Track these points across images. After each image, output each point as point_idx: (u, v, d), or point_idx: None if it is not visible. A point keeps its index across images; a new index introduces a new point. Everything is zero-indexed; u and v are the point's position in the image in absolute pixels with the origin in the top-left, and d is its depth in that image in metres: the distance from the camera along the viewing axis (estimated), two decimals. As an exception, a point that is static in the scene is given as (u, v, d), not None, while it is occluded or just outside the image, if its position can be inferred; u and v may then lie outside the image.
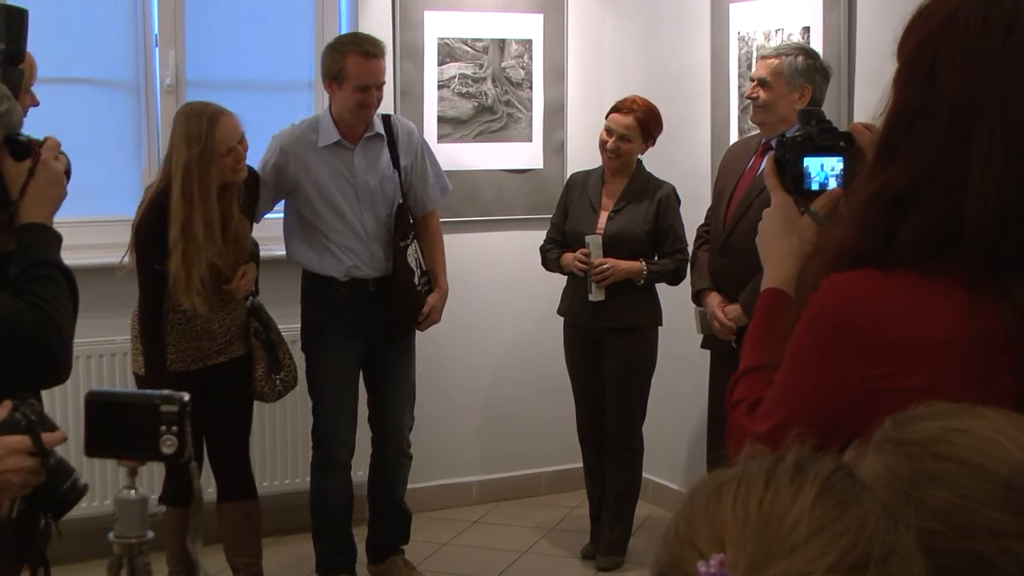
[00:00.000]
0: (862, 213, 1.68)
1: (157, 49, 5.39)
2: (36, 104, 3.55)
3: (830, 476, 0.95)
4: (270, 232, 5.24)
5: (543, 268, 5.35)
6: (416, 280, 4.88)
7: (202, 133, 4.31)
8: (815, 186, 2.04)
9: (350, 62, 4.68)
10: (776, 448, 1.01)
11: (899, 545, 0.92)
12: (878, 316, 1.63)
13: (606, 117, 5.19)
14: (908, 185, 1.64)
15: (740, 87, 5.39)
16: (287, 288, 5.36)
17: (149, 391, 2.27)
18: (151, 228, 4.36)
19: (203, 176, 4.31)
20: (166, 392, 2.22)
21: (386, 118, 4.94)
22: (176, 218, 4.30)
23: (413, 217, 4.94)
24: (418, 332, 5.04)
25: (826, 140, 2.05)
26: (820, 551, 0.89)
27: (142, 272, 4.42)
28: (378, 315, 4.85)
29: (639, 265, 5.06)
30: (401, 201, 4.88)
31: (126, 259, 4.46)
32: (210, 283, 4.39)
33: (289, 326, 5.40)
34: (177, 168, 4.31)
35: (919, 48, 1.67)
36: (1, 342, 2.22)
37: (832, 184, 2.04)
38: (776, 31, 5.24)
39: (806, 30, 5.07)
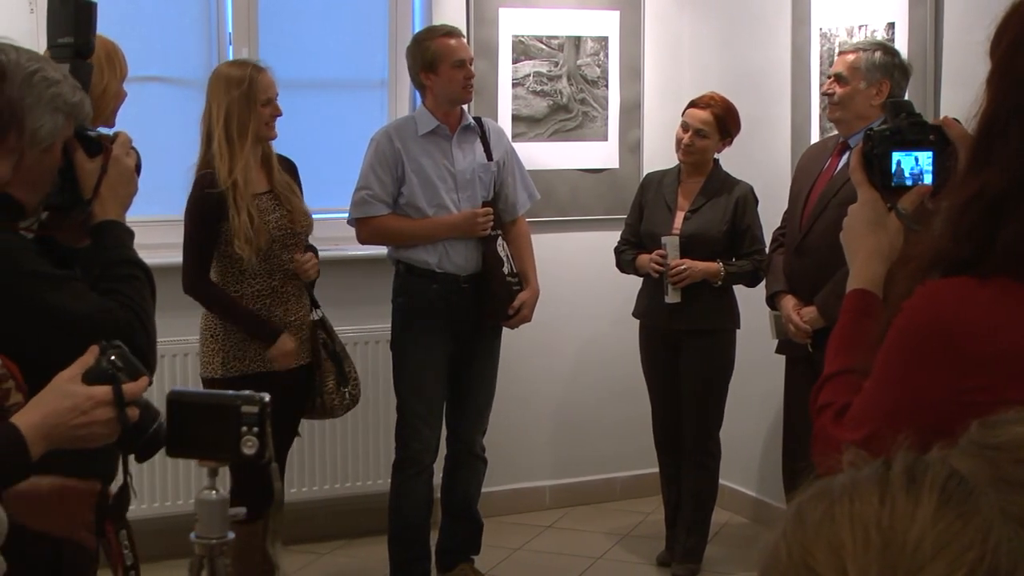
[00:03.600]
0: (957, 218, 1.63)
1: (231, 48, 5.39)
2: (125, 96, 3.55)
3: (945, 484, 0.89)
4: (336, 232, 5.22)
5: (617, 270, 5.28)
6: (505, 270, 4.86)
7: (244, 78, 4.33)
8: (904, 182, 1.97)
9: (439, 44, 4.77)
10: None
11: None
12: (975, 326, 1.58)
13: (683, 113, 5.11)
14: (1004, 189, 1.58)
15: (821, 85, 5.28)
16: (355, 289, 5.37)
17: (230, 392, 2.24)
18: (198, 206, 4.34)
19: (243, 117, 4.31)
20: (247, 393, 2.21)
21: (476, 118, 5.01)
22: (223, 163, 4.29)
23: (502, 221, 4.96)
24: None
25: (915, 134, 1.99)
26: (947, 569, 0.84)
27: (190, 250, 4.38)
28: (469, 313, 4.84)
29: (716, 266, 4.98)
30: (490, 198, 4.90)
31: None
32: (265, 243, 4.34)
33: (361, 327, 5.43)
34: (219, 113, 4.32)
35: (1013, 46, 1.62)
36: (94, 342, 2.21)
37: (923, 180, 1.97)
38: (859, 27, 5.13)
39: (891, 26, 4.96)
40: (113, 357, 1.93)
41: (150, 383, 2.01)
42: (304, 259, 4.43)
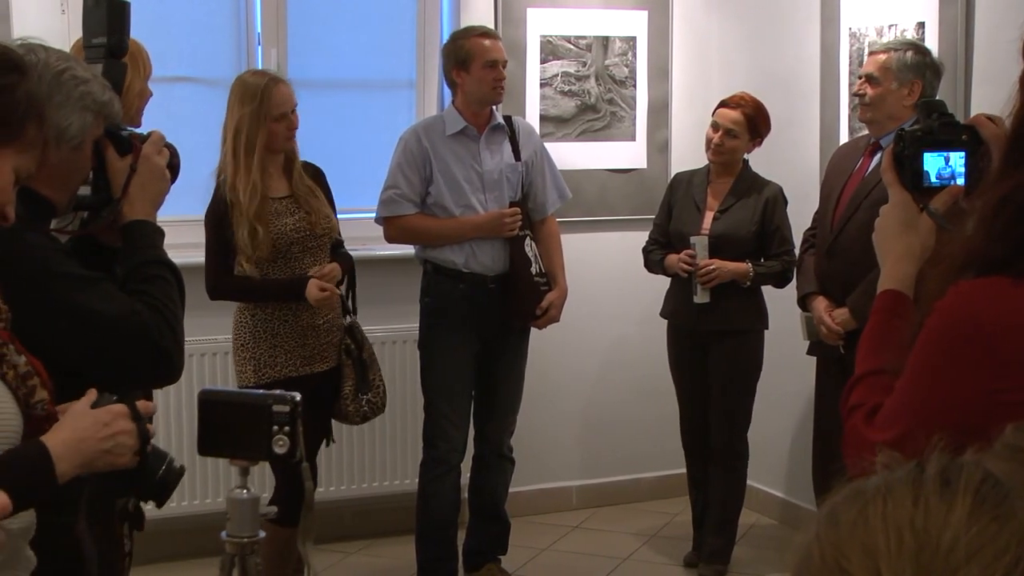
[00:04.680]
0: (990, 218, 1.63)
1: (260, 48, 5.40)
2: (150, 95, 3.56)
3: (980, 487, 0.88)
4: (364, 232, 5.23)
5: (645, 270, 5.27)
6: (532, 270, 4.86)
7: (258, 93, 4.31)
8: (935, 182, 1.96)
9: (473, 44, 4.79)
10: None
11: None
12: (1009, 327, 1.57)
13: (713, 113, 5.10)
14: None
15: (851, 85, 5.26)
16: (383, 289, 5.37)
17: (262, 391, 2.25)
18: (216, 213, 4.35)
19: (251, 133, 4.29)
20: (278, 392, 2.21)
21: (506, 117, 5.01)
22: (229, 175, 4.30)
23: (532, 221, 4.96)
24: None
25: (947, 134, 1.98)
26: (982, 573, 0.83)
27: (210, 256, 4.38)
28: (496, 313, 4.85)
29: (745, 266, 4.96)
30: (519, 198, 4.91)
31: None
32: (273, 249, 4.31)
33: (389, 326, 5.43)
34: (230, 125, 4.33)
35: None
36: (122, 343, 2.22)
37: (955, 180, 1.95)
38: (889, 27, 5.11)
39: (921, 25, 4.94)
40: (113, 396, 1.95)
41: (154, 411, 2.02)
42: (316, 296, 4.33)
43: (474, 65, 4.77)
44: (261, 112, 4.29)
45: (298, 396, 2.19)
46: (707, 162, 5.15)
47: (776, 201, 5.03)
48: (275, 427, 2.15)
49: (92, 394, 1.94)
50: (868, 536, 0.86)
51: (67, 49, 2.70)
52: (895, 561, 0.84)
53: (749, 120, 5.00)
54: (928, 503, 0.87)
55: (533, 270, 4.87)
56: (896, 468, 0.92)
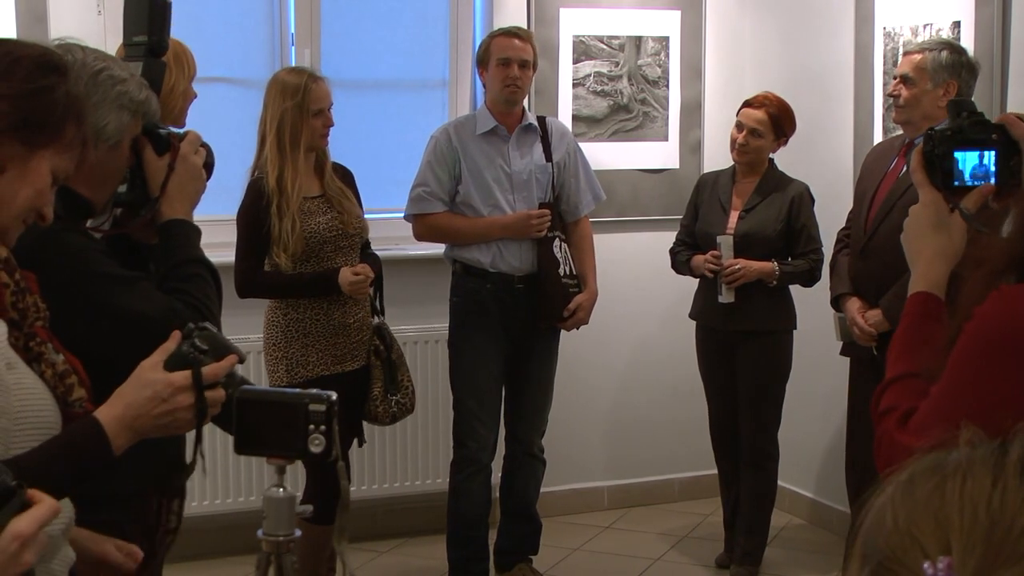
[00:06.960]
0: None
1: (293, 48, 5.43)
2: (194, 96, 3.59)
3: None
4: (396, 232, 5.24)
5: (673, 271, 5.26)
6: (560, 271, 4.84)
7: (300, 88, 4.36)
8: (966, 182, 1.95)
9: (493, 42, 4.85)
10: None
11: None
12: None
13: (737, 113, 5.08)
14: None
15: (885, 85, 5.24)
16: (414, 288, 5.39)
17: (298, 390, 2.24)
18: (250, 211, 4.37)
19: (295, 128, 4.33)
20: (314, 391, 2.20)
21: (540, 118, 5.02)
22: (272, 169, 4.33)
23: (564, 222, 4.96)
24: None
25: (978, 133, 1.96)
26: None
27: (241, 253, 4.40)
28: (524, 313, 4.85)
29: (771, 266, 4.94)
30: (550, 199, 4.90)
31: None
32: (305, 247, 4.34)
33: (419, 326, 5.44)
34: (272, 121, 4.36)
35: None
36: (160, 342, 2.22)
37: (988, 180, 1.94)
38: (924, 26, 5.08)
39: (956, 25, 4.91)
40: (197, 341, 1.94)
41: (242, 360, 2.01)
42: (349, 279, 4.37)
43: (491, 63, 4.81)
44: (304, 107, 4.34)
45: (334, 395, 2.19)
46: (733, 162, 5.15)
47: (802, 200, 5.01)
48: (311, 426, 2.15)
49: (175, 338, 1.93)
50: (943, 509, 0.88)
51: (104, 50, 2.71)
52: (967, 536, 0.85)
53: (773, 119, 4.99)
54: (1007, 485, 0.88)
55: (562, 271, 4.86)
56: (979, 446, 0.93)
